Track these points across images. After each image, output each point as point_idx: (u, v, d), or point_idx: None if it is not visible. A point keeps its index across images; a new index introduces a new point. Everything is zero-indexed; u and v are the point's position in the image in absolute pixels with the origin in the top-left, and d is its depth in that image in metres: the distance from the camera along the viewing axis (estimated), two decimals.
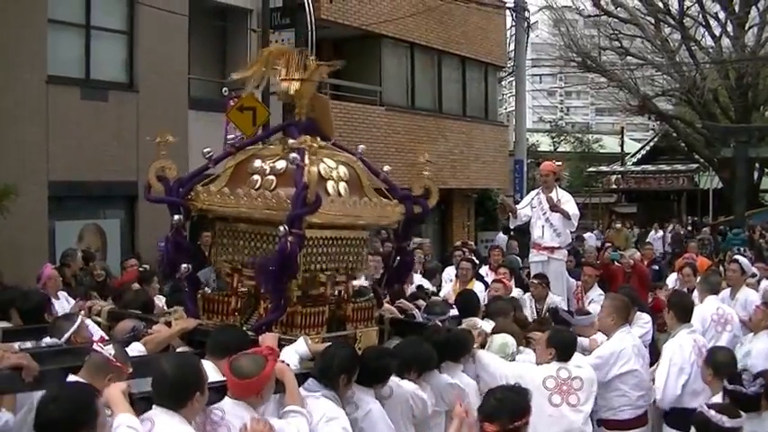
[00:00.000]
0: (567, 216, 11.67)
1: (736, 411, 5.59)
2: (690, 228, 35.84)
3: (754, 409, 5.99)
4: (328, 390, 5.75)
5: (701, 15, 39.51)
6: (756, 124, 39.71)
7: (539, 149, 51.30)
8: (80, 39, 16.62)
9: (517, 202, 12.76)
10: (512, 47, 31.08)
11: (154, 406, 4.84)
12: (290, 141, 6.79)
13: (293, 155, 6.47)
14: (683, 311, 8.42)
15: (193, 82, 18.83)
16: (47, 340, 6.49)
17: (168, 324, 6.70)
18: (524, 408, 5.12)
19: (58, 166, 15.50)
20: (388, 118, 23.84)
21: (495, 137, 29.93)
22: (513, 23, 30.31)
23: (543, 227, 11.80)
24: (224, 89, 17.17)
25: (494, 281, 11.27)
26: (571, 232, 12.12)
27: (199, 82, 19.35)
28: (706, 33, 40.24)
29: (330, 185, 6.73)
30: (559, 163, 12.91)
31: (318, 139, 7.08)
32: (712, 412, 5.50)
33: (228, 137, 16.39)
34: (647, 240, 26.22)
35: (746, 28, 38.51)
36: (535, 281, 11.12)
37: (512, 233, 20.74)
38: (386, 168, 7.57)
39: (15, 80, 14.97)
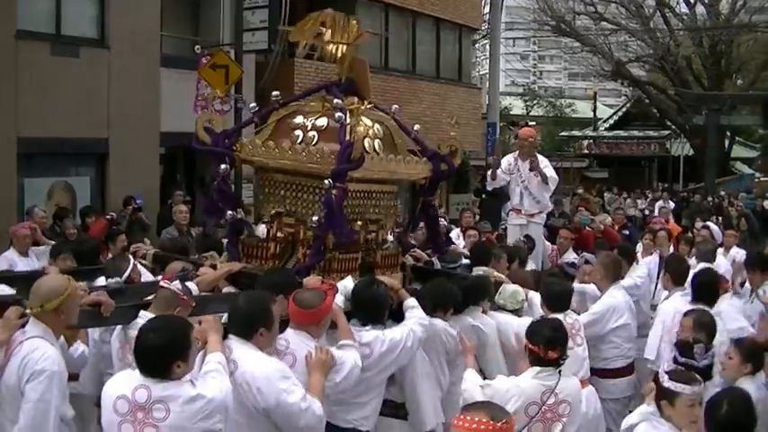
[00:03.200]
0: (545, 180, 11.66)
1: (688, 377, 5.55)
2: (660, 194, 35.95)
3: (705, 379, 6.01)
4: (376, 326, 6.36)
5: None
6: (728, 92, 39.96)
7: (511, 113, 51.32)
8: None
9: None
10: (486, 9, 30.96)
11: (229, 335, 5.39)
12: (336, 101, 7.13)
13: (338, 114, 6.90)
14: (679, 275, 8.75)
15: (166, 39, 18.63)
16: (101, 280, 6.98)
17: (214, 267, 7.18)
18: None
19: (27, 122, 15.30)
20: None
21: (468, 99, 29.91)
22: None
23: (522, 194, 11.79)
24: (196, 47, 17.03)
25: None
26: (549, 196, 12.14)
27: (171, 39, 19.15)
28: (681, 0, 40.32)
29: (366, 142, 7.19)
30: (533, 123, 12.98)
31: (361, 100, 7.62)
32: (662, 371, 5.52)
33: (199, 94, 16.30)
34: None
35: None
36: (523, 239, 11.31)
37: (483, 196, 20.76)
38: (416, 127, 8.07)
39: None
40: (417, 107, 25.32)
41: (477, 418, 3.65)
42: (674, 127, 43.47)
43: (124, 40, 16.95)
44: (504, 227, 13.07)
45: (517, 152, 12.09)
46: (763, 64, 41.62)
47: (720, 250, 12.34)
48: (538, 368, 5.95)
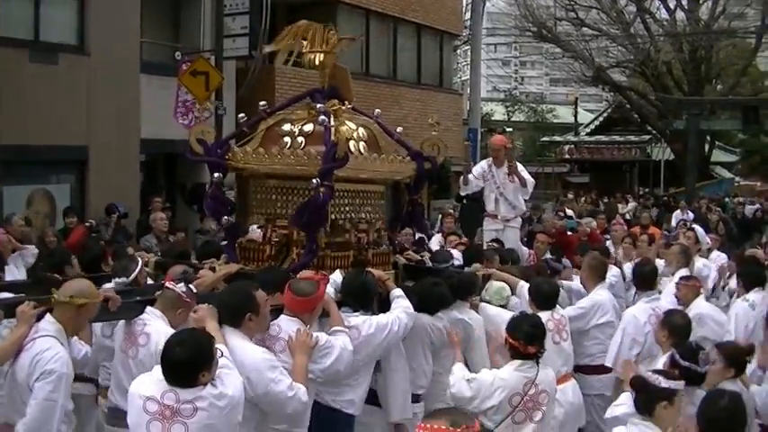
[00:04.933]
0: (523, 184, 11.69)
1: (675, 374, 5.58)
2: (641, 198, 35.98)
3: (699, 383, 6.02)
4: (366, 312, 6.87)
5: None
6: (709, 97, 40.06)
7: (493, 119, 51.40)
8: None
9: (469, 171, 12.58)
10: (468, 15, 30.98)
11: (222, 325, 5.76)
12: (318, 105, 7.62)
13: (322, 117, 7.37)
14: (642, 279, 8.86)
15: (146, 45, 18.55)
16: (108, 286, 7.04)
17: (213, 269, 7.53)
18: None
19: (6, 129, 15.14)
20: None
21: (449, 105, 29.89)
22: None
23: (498, 200, 11.81)
24: (177, 53, 16.96)
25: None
26: (525, 200, 12.17)
27: (151, 45, 19.07)
28: (661, 6, 40.52)
29: (352, 144, 7.62)
30: (509, 129, 12.94)
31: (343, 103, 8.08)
32: (649, 373, 5.52)
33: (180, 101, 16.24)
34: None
35: (701, 1, 38.88)
36: (494, 244, 11.23)
37: (464, 201, 20.73)
38: (399, 129, 8.52)
39: None
40: (399, 113, 25.27)
41: (436, 426, 3.76)
42: (654, 132, 43.57)
43: (104, 46, 16.83)
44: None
45: (491, 159, 12.08)
46: (742, 69, 41.86)
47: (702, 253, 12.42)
48: (519, 361, 6.40)
